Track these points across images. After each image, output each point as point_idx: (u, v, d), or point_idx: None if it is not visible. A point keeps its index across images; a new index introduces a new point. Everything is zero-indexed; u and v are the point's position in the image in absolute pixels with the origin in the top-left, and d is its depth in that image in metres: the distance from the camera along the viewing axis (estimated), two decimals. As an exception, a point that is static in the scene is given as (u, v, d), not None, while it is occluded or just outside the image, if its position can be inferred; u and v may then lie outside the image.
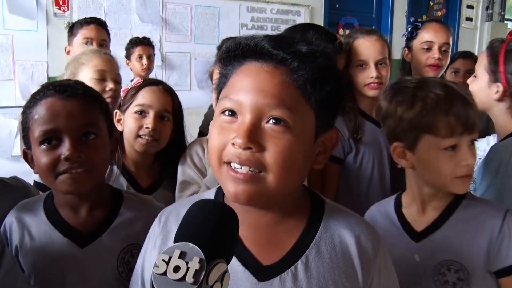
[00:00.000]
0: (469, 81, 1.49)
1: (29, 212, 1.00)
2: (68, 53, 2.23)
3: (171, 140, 1.43)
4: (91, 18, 2.31)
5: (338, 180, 1.63)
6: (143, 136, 1.37)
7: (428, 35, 1.89)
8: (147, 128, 1.36)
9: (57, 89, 0.95)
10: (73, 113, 0.94)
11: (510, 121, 1.33)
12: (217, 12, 3.71)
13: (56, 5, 3.08)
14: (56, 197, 1.01)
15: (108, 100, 1.71)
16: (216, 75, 1.39)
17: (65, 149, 0.92)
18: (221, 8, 3.72)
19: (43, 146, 0.93)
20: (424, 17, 5.05)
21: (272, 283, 0.70)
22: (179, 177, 1.36)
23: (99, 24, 2.25)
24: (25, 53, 2.99)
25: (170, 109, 1.41)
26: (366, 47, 1.64)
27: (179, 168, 1.39)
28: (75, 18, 2.97)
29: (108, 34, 2.32)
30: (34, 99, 0.96)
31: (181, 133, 1.48)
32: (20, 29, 2.96)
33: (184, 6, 3.58)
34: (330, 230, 0.75)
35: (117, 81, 1.74)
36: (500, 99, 1.32)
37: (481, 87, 1.35)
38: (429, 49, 1.87)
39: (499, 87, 1.32)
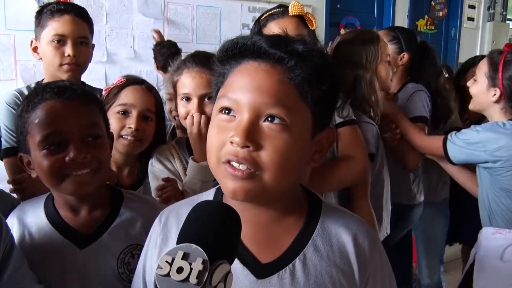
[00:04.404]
0: (469, 83, 1.74)
1: (30, 212, 1.00)
2: (35, 49, 1.63)
3: (153, 140, 1.42)
4: (65, 5, 1.58)
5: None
6: (125, 137, 1.36)
7: None
8: (130, 128, 1.34)
9: (55, 91, 0.93)
10: (74, 114, 0.93)
11: (502, 119, 1.59)
12: (219, 12, 3.71)
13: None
14: (56, 198, 1.00)
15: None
16: (181, 85, 1.37)
17: (70, 152, 0.91)
18: (223, 8, 3.72)
19: (46, 150, 0.92)
20: (426, 17, 5.06)
21: (270, 280, 0.71)
22: (154, 184, 1.34)
23: (77, 15, 1.57)
24: (26, 53, 2.97)
25: (153, 108, 1.39)
26: None
27: (150, 175, 1.37)
28: (76, 18, 2.97)
29: (91, 26, 1.68)
30: (32, 102, 0.94)
31: (163, 133, 1.46)
32: (22, 29, 2.97)
33: (185, 6, 3.59)
34: (327, 228, 0.76)
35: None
36: (496, 101, 1.59)
37: (481, 90, 1.62)
38: None
39: (497, 91, 1.58)
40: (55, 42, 1.53)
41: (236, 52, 0.71)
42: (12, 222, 0.99)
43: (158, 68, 3.17)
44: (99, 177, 0.97)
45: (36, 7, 2.86)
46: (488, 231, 1.56)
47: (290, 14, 1.48)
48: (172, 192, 1.24)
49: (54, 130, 0.91)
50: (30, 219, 0.99)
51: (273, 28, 1.45)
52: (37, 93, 0.95)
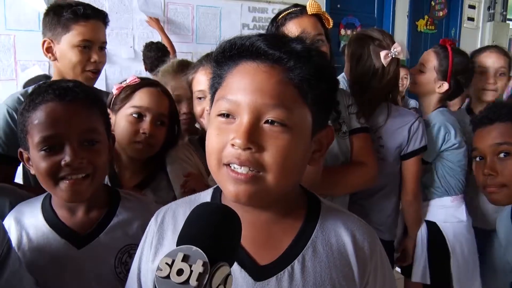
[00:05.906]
0: (414, 72, 1.89)
1: (28, 213, 1.00)
2: (48, 50, 1.53)
3: (164, 143, 1.36)
4: (89, 9, 1.51)
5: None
6: (138, 142, 1.28)
7: None
8: (144, 133, 1.27)
9: (57, 93, 0.93)
10: (74, 119, 0.93)
11: (435, 105, 1.82)
12: (219, 12, 3.72)
13: (57, 5, 3.09)
14: (53, 198, 1.00)
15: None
16: (196, 82, 1.36)
17: (66, 155, 0.91)
18: (223, 8, 3.72)
19: (43, 152, 0.92)
20: (426, 17, 5.06)
21: (268, 283, 0.70)
22: (177, 181, 1.31)
23: (101, 20, 1.54)
24: (26, 53, 2.99)
25: (167, 113, 1.34)
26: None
27: (174, 174, 1.33)
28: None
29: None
30: (33, 102, 0.94)
31: (175, 137, 1.41)
32: (21, 29, 2.97)
33: (185, 6, 3.59)
34: (327, 229, 0.75)
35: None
36: (441, 92, 1.78)
37: (429, 80, 1.79)
38: None
39: (444, 84, 1.76)
40: (82, 47, 1.48)
41: (234, 53, 0.69)
42: (10, 223, 0.99)
43: (146, 69, 3.20)
44: (95, 182, 0.96)
45: (35, 8, 2.87)
46: (446, 201, 1.77)
47: (308, 13, 1.46)
48: (193, 185, 1.22)
49: (52, 133, 0.91)
50: (28, 220, 0.99)
51: (292, 27, 1.43)
52: (39, 93, 0.94)
